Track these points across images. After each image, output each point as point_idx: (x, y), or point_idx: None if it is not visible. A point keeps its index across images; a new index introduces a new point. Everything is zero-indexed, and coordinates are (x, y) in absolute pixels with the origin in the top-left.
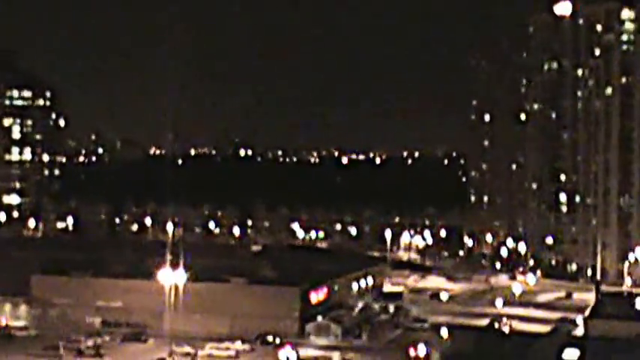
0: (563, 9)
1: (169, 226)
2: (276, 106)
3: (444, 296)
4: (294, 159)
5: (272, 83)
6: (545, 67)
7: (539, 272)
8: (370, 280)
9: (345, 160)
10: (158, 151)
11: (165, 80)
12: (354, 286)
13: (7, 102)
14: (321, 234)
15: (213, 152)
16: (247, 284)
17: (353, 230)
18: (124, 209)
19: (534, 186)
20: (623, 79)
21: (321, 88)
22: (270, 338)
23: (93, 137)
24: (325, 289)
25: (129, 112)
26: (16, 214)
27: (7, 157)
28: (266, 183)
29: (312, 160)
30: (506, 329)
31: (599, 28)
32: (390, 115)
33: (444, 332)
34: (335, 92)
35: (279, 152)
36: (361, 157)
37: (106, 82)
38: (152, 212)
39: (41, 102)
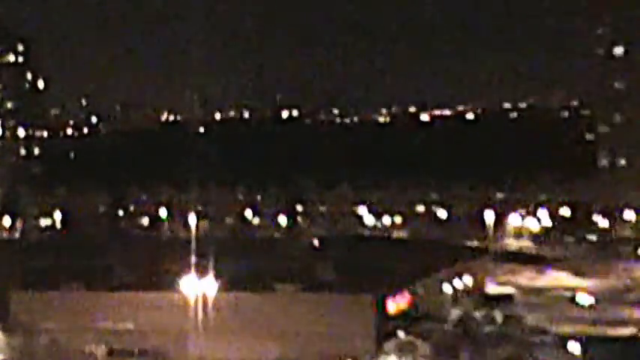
0: None
1: (192, 218)
2: (329, 52)
3: (583, 299)
4: (356, 120)
5: (322, 21)
6: None
7: None
8: (468, 280)
9: (425, 117)
10: (173, 117)
11: (178, 24)
12: (446, 288)
13: None
14: (398, 219)
15: (247, 115)
16: (301, 292)
17: (441, 212)
18: (129, 197)
19: None
20: None
21: (389, 24)
22: None
23: (83, 102)
24: (407, 295)
25: (130, 66)
26: None
27: None
28: (320, 153)
29: (382, 119)
30: None
31: None
32: (483, 55)
33: (574, 347)
34: (408, 29)
35: (336, 111)
36: (447, 112)
37: (96, 29)
38: (168, 200)
39: (11, 58)
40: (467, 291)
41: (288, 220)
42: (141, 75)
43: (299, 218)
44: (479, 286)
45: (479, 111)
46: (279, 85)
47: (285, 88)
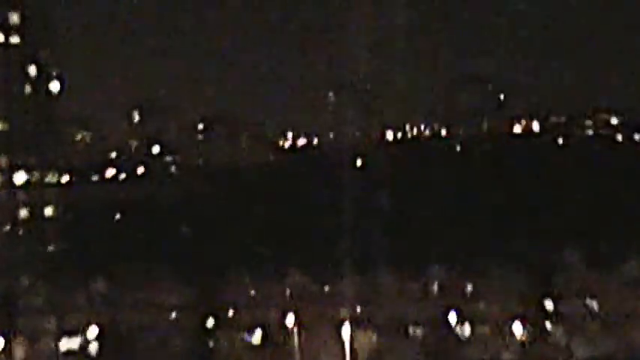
0: None
1: (347, 328)
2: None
3: None
4: None
5: None
6: None
7: None
8: None
9: None
10: (305, 141)
11: None
12: None
13: None
14: None
15: (445, 133)
16: None
17: None
18: (226, 293)
19: None
20: None
21: None
22: None
23: (135, 117)
24: None
25: (221, 51)
26: None
27: None
28: (588, 195)
29: None
30: None
31: None
32: None
33: None
34: None
35: (615, 120)
36: None
37: None
38: (297, 295)
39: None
40: None
41: (523, 326)
42: (243, 67)
43: (549, 324)
44: None
45: None
46: (507, 78)
47: (523, 86)
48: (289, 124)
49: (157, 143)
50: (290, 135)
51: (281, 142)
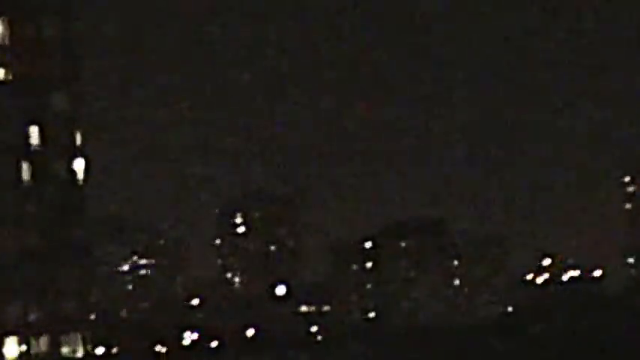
0: None
1: None
2: None
3: None
4: None
5: None
6: None
7: None
8: None
9: None
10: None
11: None
12: None
13: None
14: None
15: None
16: None
17: None
18: None
19: None
20: None
21: None
22: None
23: (240, 228)
24: None
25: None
26: None
27: None
28: None
29: None
30: None
31: None
32: None
33: None
34: None
35: None
36: None
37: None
38: None
39: None
40: None
41: None
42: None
43: None
44: None
45: None
46: None
47: None
48: (543, 249)
49: (282, 283)
50: (547, 263)
51: (531, 276)
